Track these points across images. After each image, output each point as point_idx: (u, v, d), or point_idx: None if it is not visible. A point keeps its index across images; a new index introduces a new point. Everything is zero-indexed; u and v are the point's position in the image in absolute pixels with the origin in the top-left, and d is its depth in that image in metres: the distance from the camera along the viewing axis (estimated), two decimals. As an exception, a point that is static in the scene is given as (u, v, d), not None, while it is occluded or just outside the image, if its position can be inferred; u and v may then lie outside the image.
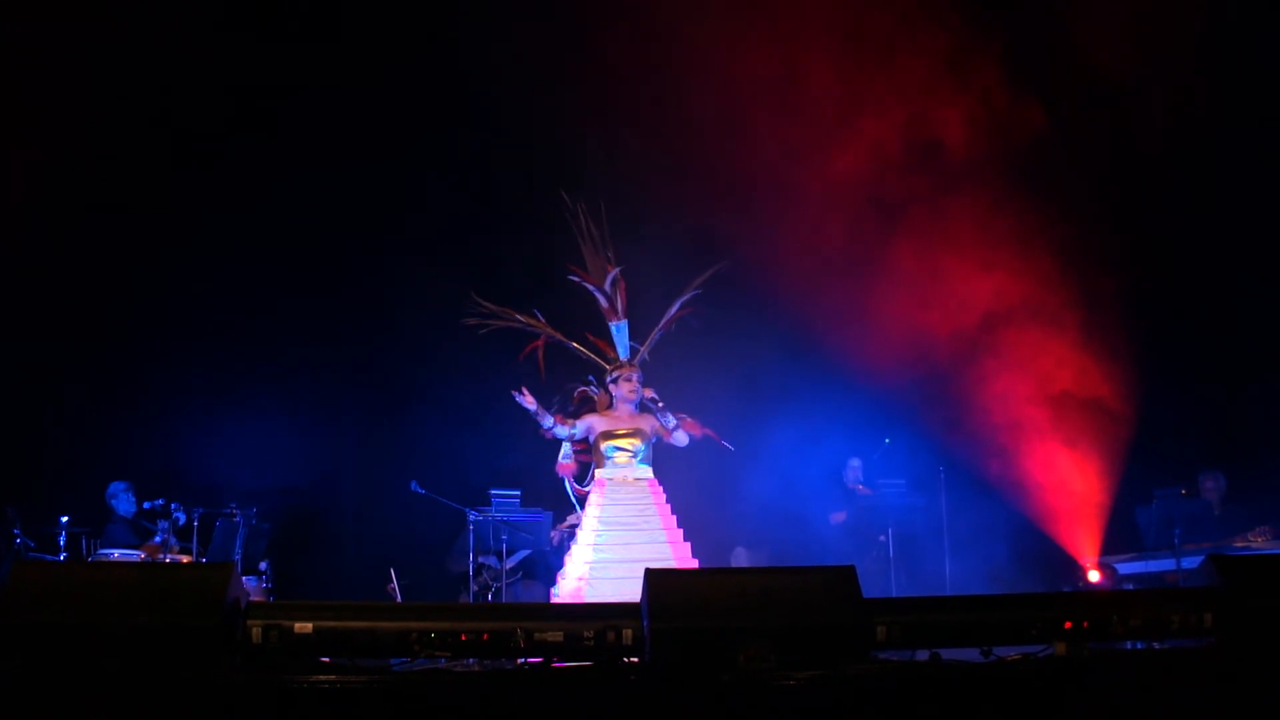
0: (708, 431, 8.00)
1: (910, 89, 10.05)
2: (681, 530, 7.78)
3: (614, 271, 8.09)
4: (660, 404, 7.94)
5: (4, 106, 9.23)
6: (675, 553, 7.58)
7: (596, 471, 7.93)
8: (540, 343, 8.17)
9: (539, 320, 8.18)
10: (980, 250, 9.74)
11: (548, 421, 7.91)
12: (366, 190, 10.58)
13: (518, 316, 8.15)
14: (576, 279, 8.17)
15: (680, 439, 8.00)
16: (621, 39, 9.70)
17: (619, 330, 8.15)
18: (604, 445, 7.91)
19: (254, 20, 10.09)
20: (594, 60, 9.77)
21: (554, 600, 7.59)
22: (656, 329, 8.18)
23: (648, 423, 7.98)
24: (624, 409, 8.02)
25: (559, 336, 8.19)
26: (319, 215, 10.51)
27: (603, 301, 8.14)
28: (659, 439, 8.04)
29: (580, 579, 7.44)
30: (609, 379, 8.10)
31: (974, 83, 9.93)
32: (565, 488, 8.21)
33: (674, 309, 8.15)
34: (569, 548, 8.02)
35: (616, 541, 7.57)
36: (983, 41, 9.93)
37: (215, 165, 10.33)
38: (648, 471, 7.94)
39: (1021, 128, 9.81)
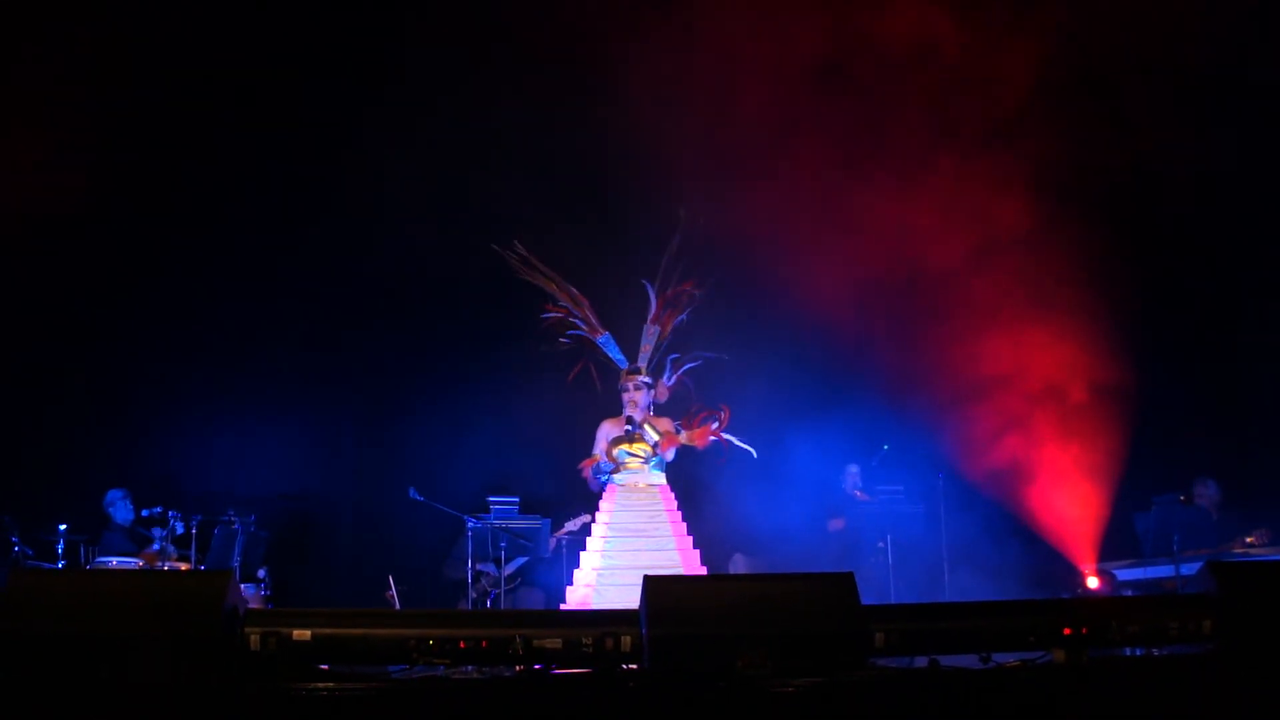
0: (718, 436, 7.94)
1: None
2: (691, 538, 7.77)
3: (563, 297, 8.12)
4: (631, 428, 7.93)
5: (3, 109, 9.23)
6: (684, 560, 7.58)
7: (613, 476, 7.93)
8: (585, 361, 8.18)
9: (581, 333, 8.18)
10: (981, 248, 9.72)
11: (608, 468, 7.96)
12: (365, 195, 10.58)
13: (561, 341, 8.17)
14: (553, 316, 8.16)
15: (665, 456, 8.01)
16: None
17: (605, 343, 8.17)
18: (615, 451, 7.92)
19: (255, 12, 10.10)
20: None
21: (564, 607, 7.59)
22: (646, 324, 8.16)
23: (661, 428, 7.98)
24: (632, 415, 8.04)
25: (599, 353, 8.20)
26: (317, 222, 10.52)
27: (580, 325, 8.15)
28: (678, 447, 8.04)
29: (588, 586, 7.45)
30: (618, 388, 8.15)
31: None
32: (588, 482, 8.20)
33: (653, 298, 8.13)
34: (578, 552, 8.03)
35: (625, 548, 7.58)
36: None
37: (213, 170, 10.33)
38: (660, 478, 7.95)
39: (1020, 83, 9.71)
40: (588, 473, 8.11)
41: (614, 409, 8.22)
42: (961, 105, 9.84)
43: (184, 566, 8.90)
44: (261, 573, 9.36)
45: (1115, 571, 9.08)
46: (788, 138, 9.77)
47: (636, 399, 8.02)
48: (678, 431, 7.95)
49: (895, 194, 9.77)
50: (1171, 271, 10.15)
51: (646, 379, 8.09)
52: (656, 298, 8.12)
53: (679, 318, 8.18)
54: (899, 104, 9.93)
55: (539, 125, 10.34)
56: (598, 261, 8.66)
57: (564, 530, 9.34)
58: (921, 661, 5.12)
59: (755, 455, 8.04)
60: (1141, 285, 9.80)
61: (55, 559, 8.81)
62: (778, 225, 9.68)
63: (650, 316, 8.14)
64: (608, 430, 8.08)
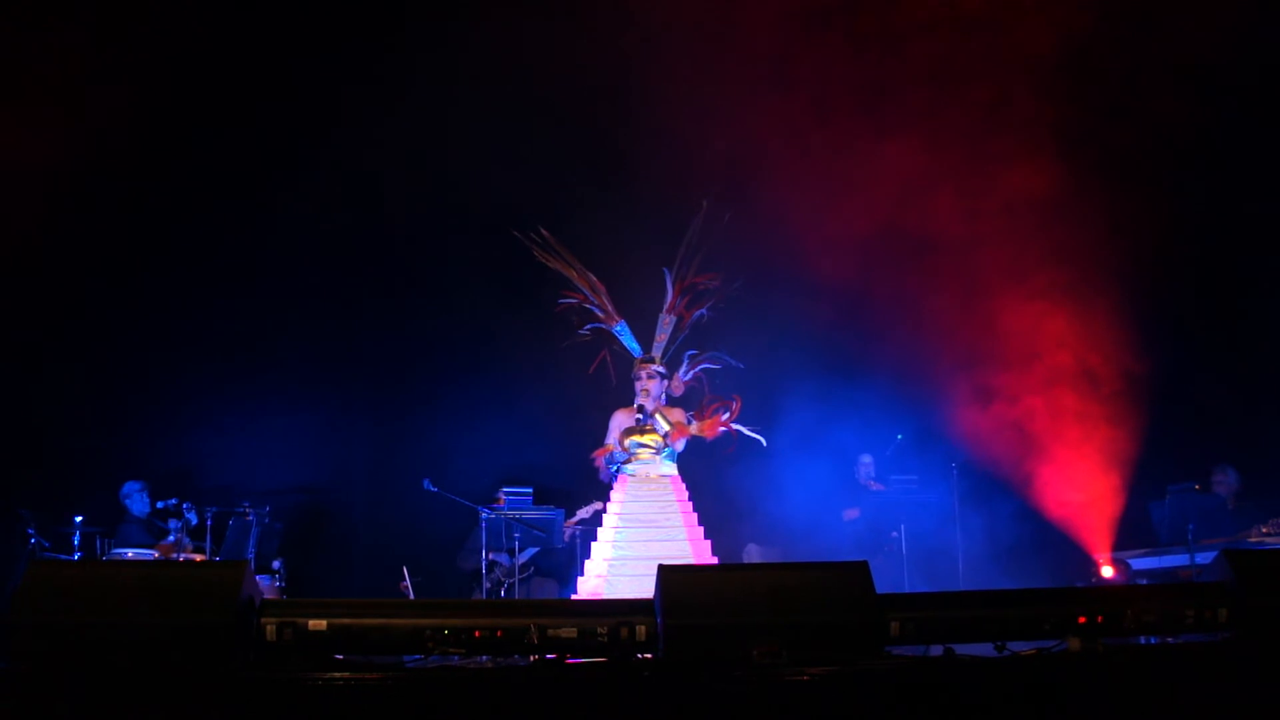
0: (727, 426, 7.93)
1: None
2: (702, 528, 7.77)
3: (583, 283, 8.10)
4: (642, 418, 7.91)
5: (17, 97, 9.23)
6: (694, 550, 7.57)
7: (624, 467, 7.93)
8: (605, 353, 8.19)
9: (599, 323, 8.18)
10: (995, 236, 9.68)
11: (622, 457, 7.96)
12: (378, 185, 10.58)
13: (581, 334, 8.17)
14: (569, 301, 8.16)
15: (675, 447, 7.99)
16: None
17: (620, 332, 8.16)
18: (627, 441, 7.92)
19: (267, 12, 10.11)
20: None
21: (575, 598, 7.60)
22: (662, 313, 8.15)
23: (673, 418, 7.96)
24: (644, 404, 8.03)
25: (616, 343, 8.19)
26: (332, 215, 10.53)
27: (597, 312, 8.15)
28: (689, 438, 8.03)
29: (599, 576, 7.46)
30: (631, 377, 8.14)
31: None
32: (599, 471, 8.19)
33: (670, 287, 8.11)
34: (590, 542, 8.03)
35: (636, 538, 7.58)
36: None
37: (226, 165, 10.33)
38: (672, 468, 7.95)
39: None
40: (600, 462, 8.11)
41: (627, 399, 8.22)
42: (979, 77, 9.74)
43: (199, 558, 8.93)
44: (276, 564, 9.39)
45: (1130, 560, 9.06)
46: (804, 107, 9.71)
47: (649, 388, 8.01)
48: (689, 423, 7.94)
49: (910, 171, 9.73)
50: (1190, 259, 10.07)
51: (660, 368, 8.08)
52: (674, 287, 8.10)
53: (698, 312, 8.15)
54: (920, 71, 9.85)
55: (555, 111, 10.34)
56: (614, 250, 8.65)
57: (575, 519, 9.35)
58: (937, 650, 5.12)
59: (765, 444, 8.03)
60: (1158, 272, 9.74)
61: (72, 551, 8.85)
62: (791, 209, 9.64)
63: (667, 306, 8.13)
64: (620, 420, 8.08)
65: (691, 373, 8.17)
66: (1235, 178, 10.02)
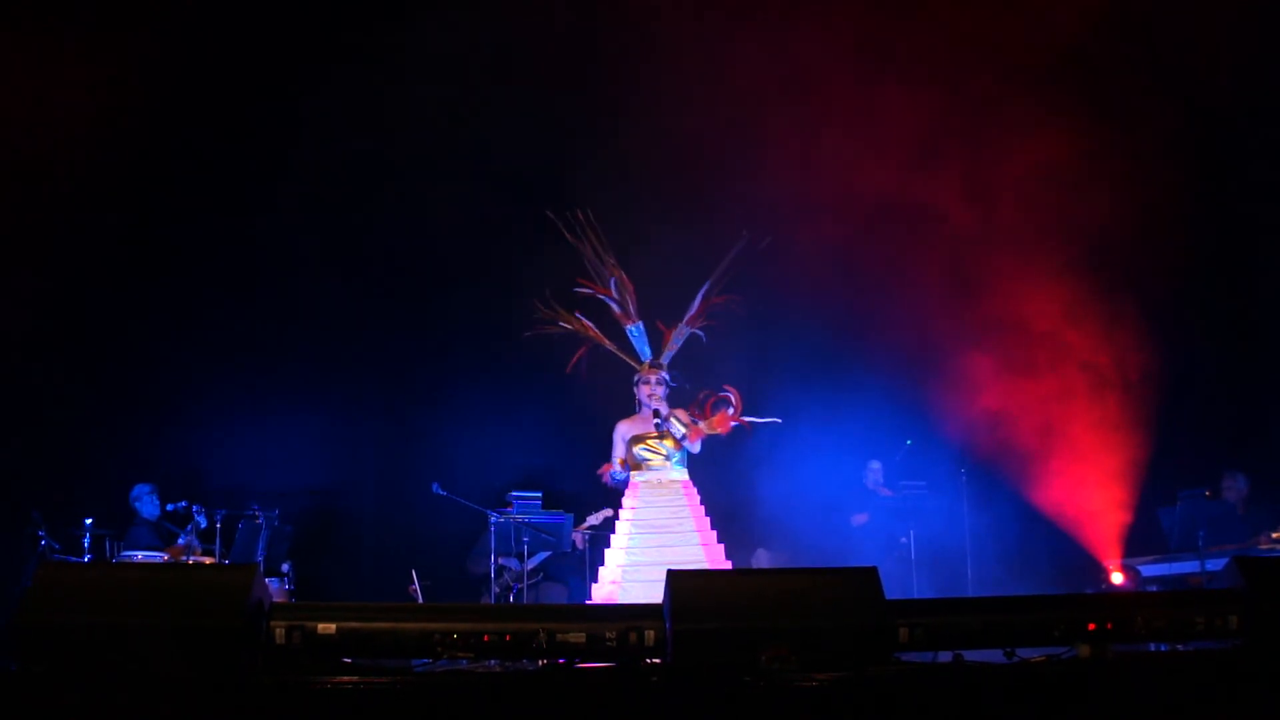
0: (739, 421, 7.86)
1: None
2: (715, 532, 7.73)
3: (614, 276, 8.03)
4: (660, 424, 7.85)
5: (30, 99, 9.25)
6: (708, 555, 7.53)
7: (632, 475, 7.89)
8: (584, 350, 8.11)
9: (582, 322, 8.10)
10: (1007, 232, 9.66)
11: (622, 476, 7.92)
12: (387, 191, 10.60)
13: (560, 324, 8.09)
14: (586, 290, 8.10)
15: (692, 449, 7.94)
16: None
17: (635, 333, 8.09)
18: (635, 449, 7.88)
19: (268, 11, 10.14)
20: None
21: (589, 603, 7.57)
22: (681, 324, 8.09)
23: (683, 419, 7.92)
24: (650, 412, 7.97)
25: (600, 339, 8.11)
26: (341, 215, 10.55)
27: (614, 308, 8.09)
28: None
29: (613, 582, 7.43)
30: (634, 381, 8.07)
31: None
32: (607, 482, 8.15)
33: (697, 302, 8.06)
34: (602, 548, 8.00)
35: (649, 544, 7.54)
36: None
37: (236, 165, 10.36)
38: (682, 473, 7.88)
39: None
40: (606, 477, 8.06)
41: (629, 406, 8.15)
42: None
43: (209, 561, 8.95)
44: (285, 567, 9.42)
45: (1140, 567, 9.04)
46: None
47: (658, 393, 7.95)
48: (695, 422, 7.88)
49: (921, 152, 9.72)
50: (1203, 262, 10.05)
51: (666, 375, 8.02)
52: (700, 302, 8.03)
53: (694, 330, 8.09)
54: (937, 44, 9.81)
55: (560, 108, 10.34)
56: (622, 248, 8.61)
57: (585, 525, 9.35)
58: (945, 656, 5.11)
59: (780, 421, 7.98)
60: (1169, 275, 9.72)
61: (81, 553, 8.87)
62: (800, 207, 9.63)
63: (688, 318, 8.05)
64: (624, 430, 8.00)
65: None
66: (1251, 179, 9.99)
